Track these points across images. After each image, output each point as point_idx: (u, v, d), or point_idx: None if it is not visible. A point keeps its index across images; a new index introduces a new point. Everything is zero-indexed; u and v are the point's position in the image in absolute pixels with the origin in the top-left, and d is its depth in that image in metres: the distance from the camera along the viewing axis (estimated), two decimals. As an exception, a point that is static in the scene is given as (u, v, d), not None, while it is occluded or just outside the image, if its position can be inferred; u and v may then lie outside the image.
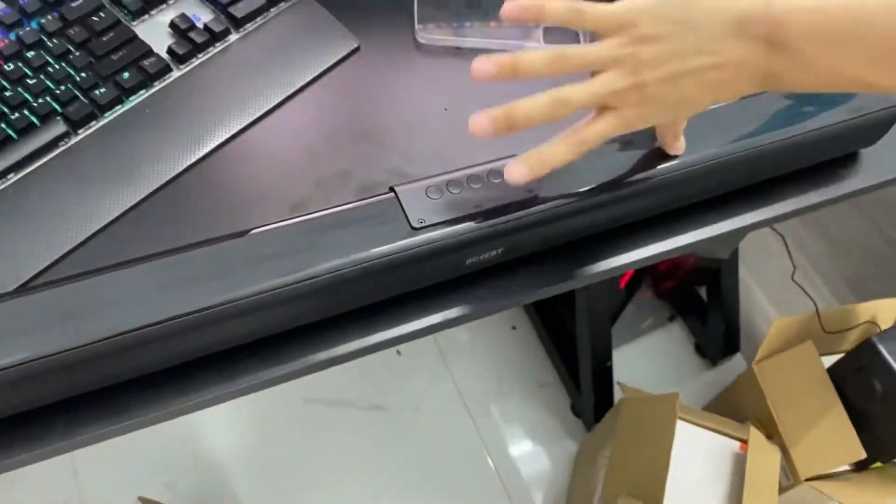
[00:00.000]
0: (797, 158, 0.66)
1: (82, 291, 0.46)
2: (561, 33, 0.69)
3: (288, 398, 1.35)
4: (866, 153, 0.72)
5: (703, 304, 1.45)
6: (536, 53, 0.46)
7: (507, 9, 0.48)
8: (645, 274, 1.37)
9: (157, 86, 0.59)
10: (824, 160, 0.69)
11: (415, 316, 0.56)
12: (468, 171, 0.54)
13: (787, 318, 1.14)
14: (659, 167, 0.57)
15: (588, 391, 1.33)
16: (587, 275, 0.61)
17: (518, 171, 0.47)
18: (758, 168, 0.64)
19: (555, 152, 0.47)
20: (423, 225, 0.50)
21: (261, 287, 0.47)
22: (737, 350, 1.49)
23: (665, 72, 0.45)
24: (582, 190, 0.54)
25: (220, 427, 1.32)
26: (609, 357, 1.33)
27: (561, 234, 0.58)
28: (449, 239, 0.50)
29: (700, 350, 1.49)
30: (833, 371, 1.08)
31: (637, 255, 0.63)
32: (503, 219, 0.51)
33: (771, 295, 1.45)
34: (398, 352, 1.42)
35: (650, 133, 0.57)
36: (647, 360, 1.48)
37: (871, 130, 0.66)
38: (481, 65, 0.46)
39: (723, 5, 0.45)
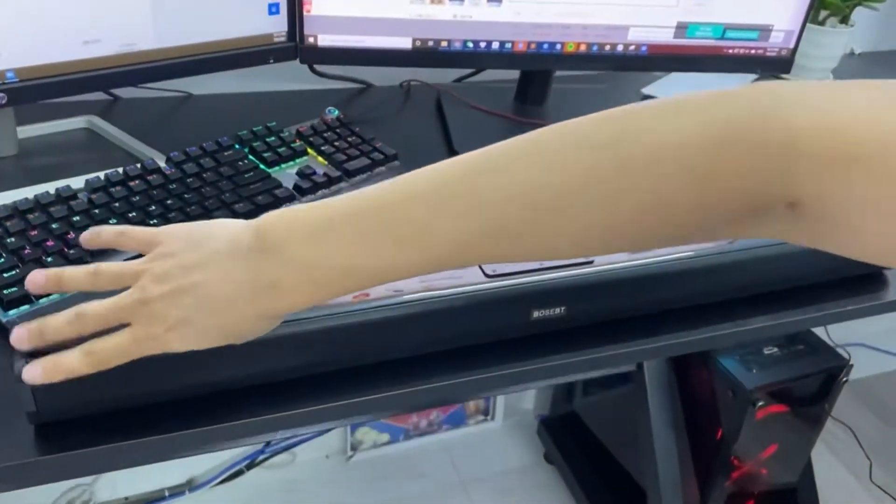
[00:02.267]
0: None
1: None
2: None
3: None
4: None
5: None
6: (58, 317, 0.46)
7: (29, 280, 0.48)
8: (714, 487, 1.32)
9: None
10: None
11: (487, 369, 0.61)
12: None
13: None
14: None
15: None
16: (644, 350, 0.65)
17: (31, 371, 0.46)
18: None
19: (70, 362, 0.45)
20: (495, 273, 0.59)
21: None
22: None
23: (168, 287, 0.44)
24: (642, 261, 0.63)
25: None
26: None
27: (619, 303, 0.65)
28: (516, 287, 0.59)
29: None
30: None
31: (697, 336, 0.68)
32: (564, 273, 0.60)
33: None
34: None
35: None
36: None
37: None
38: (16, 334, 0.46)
39: (231, 224, 0.46)
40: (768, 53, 0.93)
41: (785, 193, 0.35)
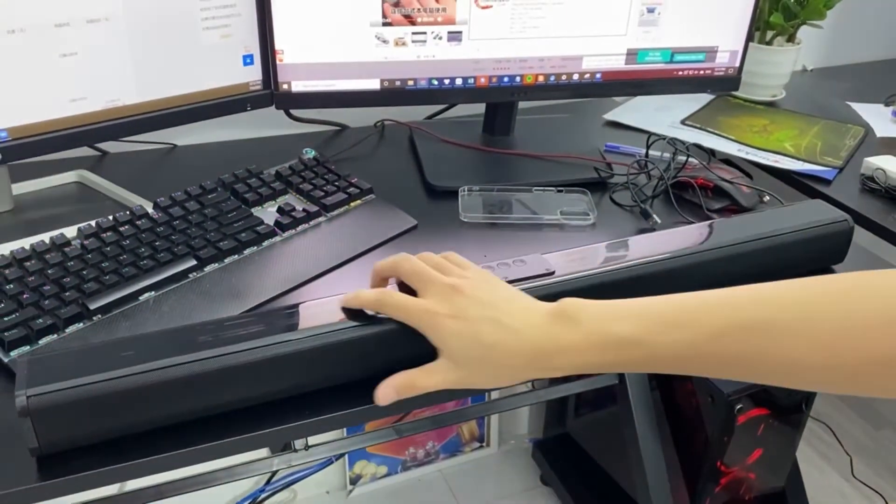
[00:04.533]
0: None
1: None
2: (575, 211, 0.88)
3: None
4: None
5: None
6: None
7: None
8: (705, 493, 1.35)
9: (265, 244, 0.78)
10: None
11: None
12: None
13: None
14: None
15: None
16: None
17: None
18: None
19: (367, 295, 0.59)
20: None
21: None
22: None
23: (477, 296, 0.56)
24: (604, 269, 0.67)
25: None
26: None
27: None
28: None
29: None
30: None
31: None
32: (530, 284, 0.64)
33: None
34: None
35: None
36: None
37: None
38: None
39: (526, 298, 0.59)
40: (716, 73, 0.99)
41: None
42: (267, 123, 1.07)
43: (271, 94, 0.91)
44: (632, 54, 0.96)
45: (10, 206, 0.85)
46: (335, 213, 0.85)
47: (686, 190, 0.92)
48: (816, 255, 0.79)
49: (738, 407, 1.09)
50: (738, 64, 0.99)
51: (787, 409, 1.18)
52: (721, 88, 1.01)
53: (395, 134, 1.11)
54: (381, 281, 0.62)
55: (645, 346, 0.52)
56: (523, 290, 0.61)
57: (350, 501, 1.48)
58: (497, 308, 0.56)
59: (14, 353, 0.62)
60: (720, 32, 0.97)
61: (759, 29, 1.22)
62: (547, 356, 0.54)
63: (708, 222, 0.79)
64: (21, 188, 0.87)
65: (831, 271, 0.81)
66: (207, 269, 0.74)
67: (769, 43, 1.23)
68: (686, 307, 0.53)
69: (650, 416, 1.17)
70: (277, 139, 1.09)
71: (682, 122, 1.17)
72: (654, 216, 0.86)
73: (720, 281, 0.57)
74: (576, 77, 0.96)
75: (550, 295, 0.58)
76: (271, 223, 0.81)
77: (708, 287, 0.54)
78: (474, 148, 1.03)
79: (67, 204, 0.88)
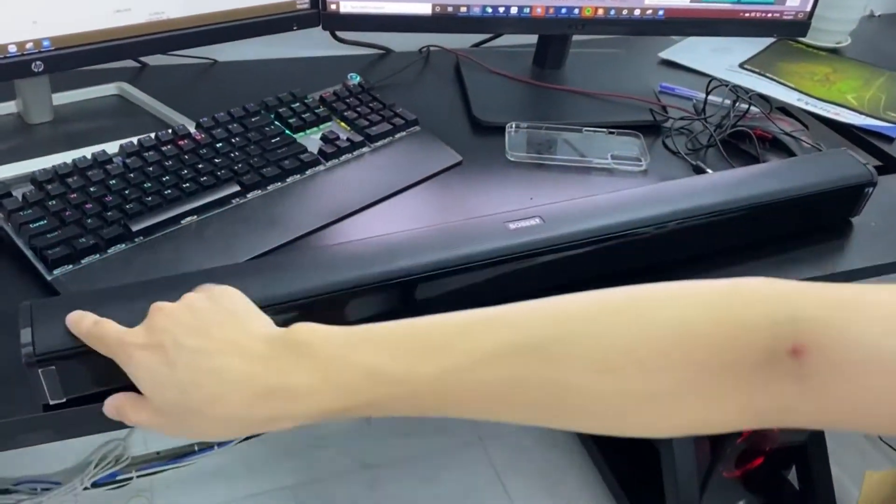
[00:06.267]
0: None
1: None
2: (626, 155, 0.85)
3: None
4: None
5: (797, 493, 1.40)
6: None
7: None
8: (727, 444, 1.36)
9: (308, 173, 0.77)
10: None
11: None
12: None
13: (880, 473, 1.11)
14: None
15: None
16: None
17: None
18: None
19: (86, 322, 0.48)
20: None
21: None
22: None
23: (192, 337, 0.43)
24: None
25: None
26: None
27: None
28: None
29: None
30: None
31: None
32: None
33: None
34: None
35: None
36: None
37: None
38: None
39: (248, 320, 0.45)
40: (785, 17, 0.94)
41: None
42: (309, 43, 1.04)
43: (319, 13, 0.87)
44: (698, -9, 0.90)
45: (51, 117, 0.83)
46: (379, 143, 0.83)
47: (743, 140, 0.88)
48: (834, 209, 0.77)
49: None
50: (808, 8, 0.94)
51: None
52: (788, 33, 0.96)
53: (440, 60, 1.07)
54: None
55: (402, 379, 0.41)
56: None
57: (373, 423, 1.50)
58: (205, 335, 0.42)
59: (57, 272, 0.62)
60: (795, -27, 0.91)
61: (830, -31, 1.15)
62: (271, 401, 0.41)
63: (736, 171, 0.75)
64: (61, 98, 0.85)
65: (848, 223, 0.79)
66: (250, 195, 0.73)
67: (841, -16, 1.16)
68: (450, 328, 0.42)
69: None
70: (319, 60, 1.06)
71: (741, 66, 1.11)
72: (708, 170, 0.83)
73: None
74: (637, 13, 0.91)
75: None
76: (315, 151, 0.78)
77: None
78: (523, 81, 1.00)
79: (107, 117, 0.86)
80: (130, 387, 0.46)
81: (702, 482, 1.31)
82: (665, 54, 1.13)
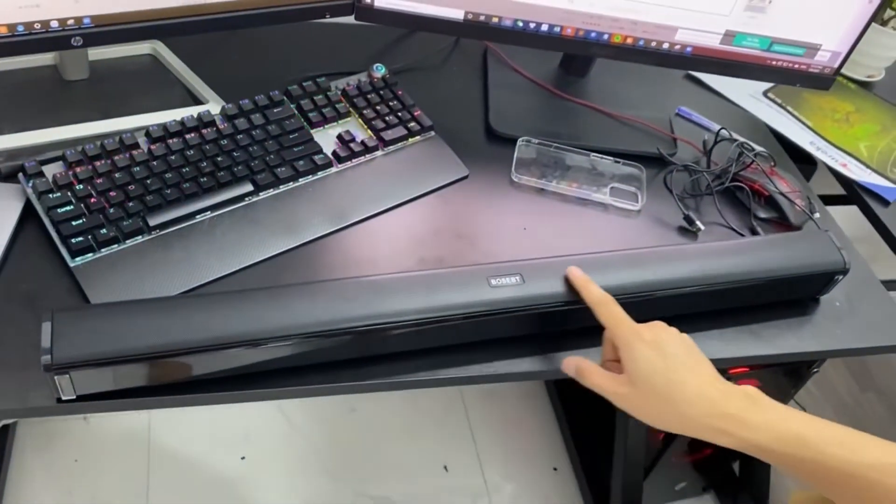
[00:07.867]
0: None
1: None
2: (624, 190, 0.89)
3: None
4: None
5: (736, 480, 1.51)
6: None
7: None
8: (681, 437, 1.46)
9: (320, 175, 0.81)
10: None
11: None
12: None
13: (804, 493, 1.20)
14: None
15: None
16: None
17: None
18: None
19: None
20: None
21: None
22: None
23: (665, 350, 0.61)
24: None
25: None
26: (638, 508, 1.39)
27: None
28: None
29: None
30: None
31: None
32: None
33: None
34: (445, 468, 1.53)
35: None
36: (675, 526, 1.53)
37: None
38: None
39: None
40: (811, 70, 0.94)
41: None
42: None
43: (353, 4, 0.89)
44: (729, 35, 0.91)
45: (87, 75, 0.87)
46: (392, 148, 0.86)
47: (740, 189, 0.92)
48: (805, 288, 0.82)
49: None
50: (836, 65, 0.94)
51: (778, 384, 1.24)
52: (811, 86, 0.96)
53: (468, 47, 1.08)
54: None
55: (813, 448, 0.57)
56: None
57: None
58: (694, 359, 0.62)
59: (78, 260, 0.68)
60: (828, 31, 0.91)
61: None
62: (720, 417, 0.58)
63: (713, 245, 0.79)
64: (97, 54, 0.88)
65: (815, 300, 0.84)
66: (262, 194, 0.78)
67: (884, 23, 1.14)
68: (847, 432, 0.58)
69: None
70: (351, 28, 1.06)
71: (765, 94, 1.12)
72: (698, 223, 0.86)
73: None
74: (665, 46, 0.92)
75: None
76: (329, 152, 0.83)
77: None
78: (544, 88, 1.01)
79: (139, 81, 0.90)
80: (137, 390, 0.57)
81: (651, 462, 1.41)
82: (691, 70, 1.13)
